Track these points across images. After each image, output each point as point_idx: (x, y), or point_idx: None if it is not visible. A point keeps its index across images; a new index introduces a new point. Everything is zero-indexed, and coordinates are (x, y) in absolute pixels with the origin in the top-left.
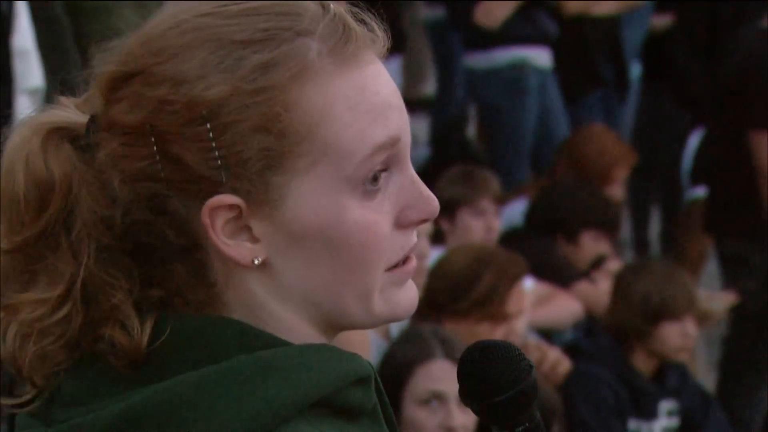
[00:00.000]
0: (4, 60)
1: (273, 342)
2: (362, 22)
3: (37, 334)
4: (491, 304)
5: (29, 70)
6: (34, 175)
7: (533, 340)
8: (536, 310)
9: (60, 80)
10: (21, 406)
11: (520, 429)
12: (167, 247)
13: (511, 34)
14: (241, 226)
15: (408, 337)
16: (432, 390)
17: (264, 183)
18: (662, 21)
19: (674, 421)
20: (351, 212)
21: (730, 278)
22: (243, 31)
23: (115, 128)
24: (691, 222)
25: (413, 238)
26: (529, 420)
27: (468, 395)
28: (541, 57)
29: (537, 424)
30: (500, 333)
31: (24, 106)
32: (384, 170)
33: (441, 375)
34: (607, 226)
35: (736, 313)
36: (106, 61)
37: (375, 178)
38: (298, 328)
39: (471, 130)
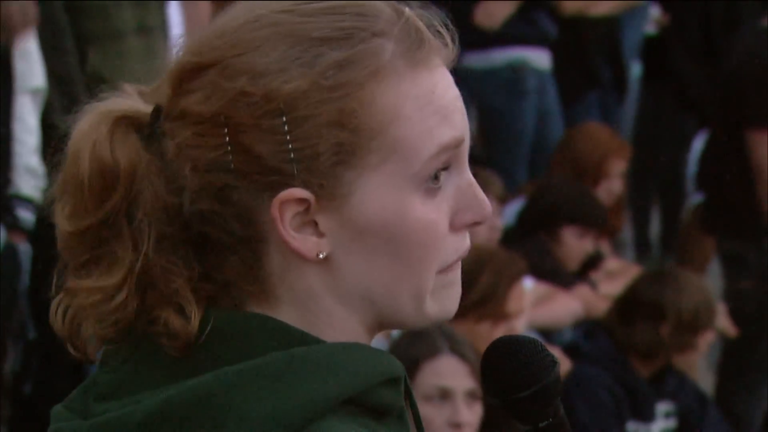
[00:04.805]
0: (5, 60)
1: (307, 340)
2: (433, 27)
3: (94, 319)
4: (491, 303)
5: (31, 70)
6: (99, 162)
7: None
8: (536, 310)
9: (59, 79)
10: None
11: (544, 424)
12: (227, 238)
13: (510, 34)
14: (307, 220)
15: (413, 332)
16: (439, 386)
17: (335, 178)
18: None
19: (671, 423)
20: (413, 209)
21: (731, 278)
22: (321, 28)
23: (188, 118)
24: (695, 225)
25: (467, 241)
26: (554, 415)
27: (492, 391)
28: (540, 58)
29: (561, 419)
30: (500, 332)
31: (25, 106)
32: (444, 169)
33: (448, 371)
34: (589, 222)
35: (736, 314)
36: (176, 53)
37: (437, 177)
38: (346, 325)
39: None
